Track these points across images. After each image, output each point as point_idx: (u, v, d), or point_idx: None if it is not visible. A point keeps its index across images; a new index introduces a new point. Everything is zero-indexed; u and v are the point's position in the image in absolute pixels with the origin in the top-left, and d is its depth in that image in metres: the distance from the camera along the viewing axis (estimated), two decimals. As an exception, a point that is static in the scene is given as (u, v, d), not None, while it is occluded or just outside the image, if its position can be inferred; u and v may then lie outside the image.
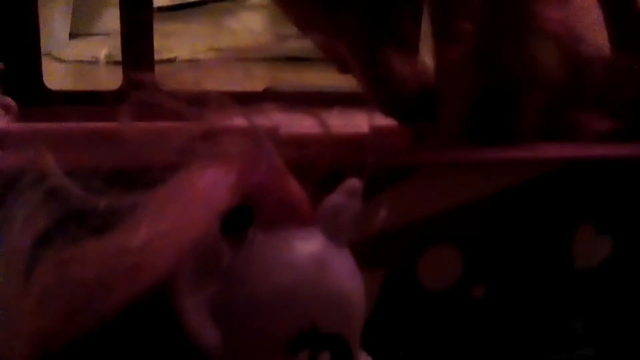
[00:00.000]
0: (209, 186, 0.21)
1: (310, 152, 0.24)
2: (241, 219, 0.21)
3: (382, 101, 0.36)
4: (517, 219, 0.35)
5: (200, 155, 0.22)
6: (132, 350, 0.21)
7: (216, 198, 0.20)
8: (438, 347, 0.36)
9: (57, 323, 0.19)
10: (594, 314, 0.37)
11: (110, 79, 1.22)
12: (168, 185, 0.21)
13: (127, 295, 0.19)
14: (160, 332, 0.20)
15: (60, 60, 1.30)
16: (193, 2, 1.56)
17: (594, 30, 0.40)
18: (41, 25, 0.52)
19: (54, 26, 1.36)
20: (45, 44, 0.55)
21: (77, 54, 1.33)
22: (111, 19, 1.51)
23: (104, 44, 1.34)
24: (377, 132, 0.40)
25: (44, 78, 0.53)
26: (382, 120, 0.37)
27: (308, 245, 0.22)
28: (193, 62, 1.23)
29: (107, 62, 1.29)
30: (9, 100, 0.48)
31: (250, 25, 1.58)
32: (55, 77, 1.05)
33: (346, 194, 0.22)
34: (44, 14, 0.54)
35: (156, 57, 0.53)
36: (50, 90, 0.52)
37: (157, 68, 0.52)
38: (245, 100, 0.23)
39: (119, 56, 0.53)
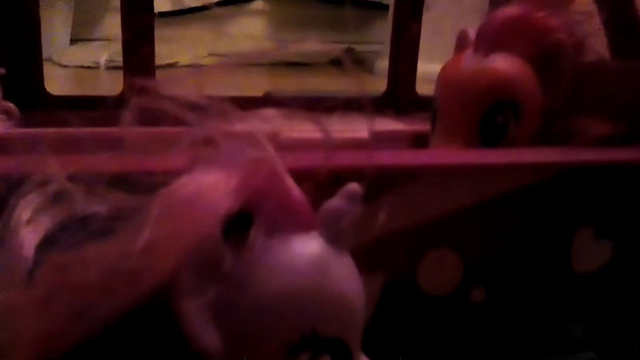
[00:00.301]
0: (210, 191, 0.21)
1: (310, 157, 0.24)
2: (242, 223, 0.21)
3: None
4: (517, 223, 0.35)
5: (202, 160, 0.22)
6: (132, 354, 0.21)
7: (217, 203, 0.20)
8: (438, 351, 0.36)
9: (59, 326, 0.19)
10: (594, 318, 0.37)
11: (111, 84, 1.22)
12: (169, 190, 0.21)
13: (128, 299, 0.19)
14: (161, 336, 0.20)
15: (61, 66, 1.30)
16: (194, 7, 1.56)
17: (594, 36, 0.40)
18: (42, 31, 0.52)
19: (55, 31, 1.36)
20: (46, 49, 0.55)
21: (78, 59, 1.33)
22: (112, 24, 1.51)
23: (105, 49, 1.34)
24: (377, 137, 0.40)
25: (45, 83, 0.53)
26: (382, 125, 0.38)
27: (308, 249, 0.22)
28: (194, 67, 1.23)
29: (108, 67, 1.30)
30: (10, 105, 0.48)
31: (251, 31, 1.58)
32: (56, 82, 1.05)
33: (346, 199, 0.22)
34: (44, 19, 0.54)
35: (157, 62, 0.53)
36: (51, 95, 0.53)
37: (157, 73, 0.52)
38: (246, 105, 0.24)
39: (119, 61, 0.53)
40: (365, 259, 0.24)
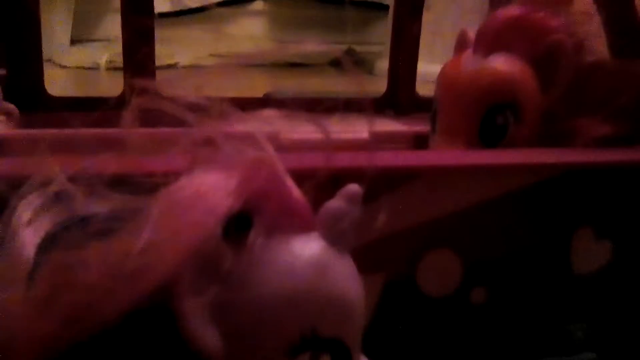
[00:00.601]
0: (210, 191, 0.21)
1: (310, 158, 0.24)
2: (242, 224, 0.21)
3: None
4: (517, 223, 0.35)
5: (202, 161, 0.22)
6: (132, 355, 0.21)
7: (217, 203, 0.20)
8: (437, 352, 0.36)
9: (59, 327, 0.20)
10: (594, 318, 0.38)
11: (111, 85, 1.22)
12: (169, 191, 0.21)
13: (129, 299, 0.19)
14: (160, 336, 0.20)
15: (61, 66, 1.30)
16: (194, 8, 1.56)
17: (595, 37, 0.40)
18: (42, 31, 0.52)
19: (55, 32, 1.36)
20: (46, 50, 0.55)
21: (77, 60, 1.33)
22: (112, 25, 1.51)
23: (105, 50, 1.34)
24: (377, 138, 0.40)
25: (45, 84, 0.53)
26: (382, 126, 0.38)
27: (308, 250, 0.22)
28: (194, 68, 1.23)
29: (108, 68, 1.30)
30: (10, 106, 0.48)
31: (251, 32, 1.58)
32: (56, 83, 1.05)
33: (346, 200, 0.22)
34: (44, 20, 0.54)
35: (157, 63, 0.53)
36: (51, 96, 0.53)
37: (157, 74, 0.52)
38: (246, 106, 0.24)
39: (119, 62, 0.53)
40: (366, 259, 0.24)
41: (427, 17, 0.59)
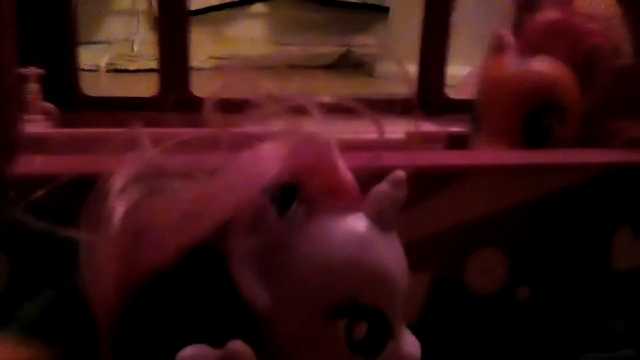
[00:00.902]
0: (263, 155, 0.22)
1: (358, 157, 0.25)
2: (287, 195, 0.22)
3: None
4: (561, 222, 0.36)
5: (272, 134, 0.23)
6: (188, 299, 0.22)
7: (263, 170, 0.22)
8: (483, 348, 0.36)
9: (133, 265, 0.21)
10: (633, 315, 0.38)
11: (110, 87, 1.22)
12: (236, 155, 0.23)
13: (192, 237, 0.21)
14: (214, 284, 0.21)
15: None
16: (194, 10, 1.56)
17: (626, 40, 0.41)
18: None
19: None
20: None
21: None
22: (112, 28, 1.51)
23: (105, 53, 1.34)
24: (413, 138, 0.41)
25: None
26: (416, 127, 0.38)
27: (352, 223, 0.23)
28: (194, 71, 1.23)
29: (108, 70, 1.29)
30: (50, 106, 0.48)
31: (252, 34, 1.58)
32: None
33: (392, 184, 0.23)
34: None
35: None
36: (87, 96, 0.53)
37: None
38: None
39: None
40: (414, 257, 0.24)
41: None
